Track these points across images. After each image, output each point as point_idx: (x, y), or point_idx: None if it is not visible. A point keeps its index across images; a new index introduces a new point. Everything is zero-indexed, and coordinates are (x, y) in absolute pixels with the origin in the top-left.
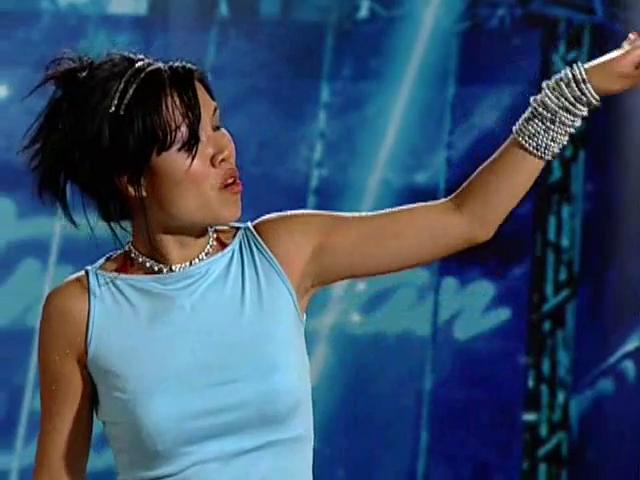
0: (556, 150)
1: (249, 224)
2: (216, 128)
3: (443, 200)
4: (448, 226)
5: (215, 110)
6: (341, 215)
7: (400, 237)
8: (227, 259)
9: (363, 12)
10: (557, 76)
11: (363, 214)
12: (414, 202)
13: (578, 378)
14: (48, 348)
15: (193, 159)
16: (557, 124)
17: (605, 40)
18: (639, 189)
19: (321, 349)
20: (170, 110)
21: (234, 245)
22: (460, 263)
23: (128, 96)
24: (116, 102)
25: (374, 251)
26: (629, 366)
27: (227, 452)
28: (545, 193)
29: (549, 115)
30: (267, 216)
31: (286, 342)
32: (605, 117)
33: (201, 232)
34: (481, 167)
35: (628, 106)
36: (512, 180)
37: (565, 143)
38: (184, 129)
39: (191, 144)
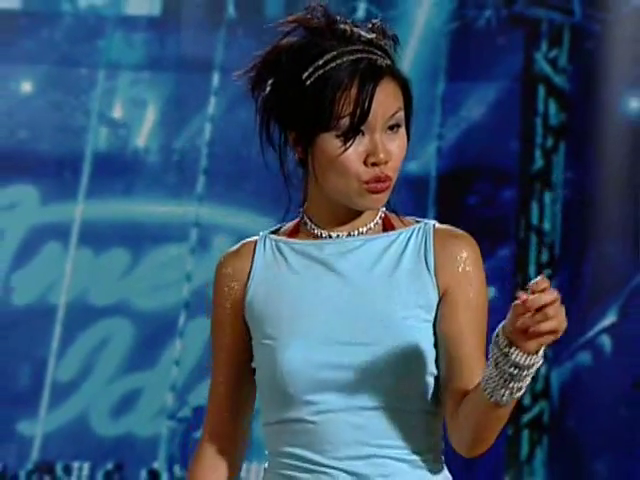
0: (512, 396)
1: (434, 224)
2: (392, 127)
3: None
4: (450, 397)
5: (396, 112)
6: (467, 296)
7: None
8: (389, 240)
9: (360, 13)
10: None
11: (469, 329)
12: (407, 188)
13: (558, 351)
14: (216, 304)
15: (345, 150)
16: (510, 382)
17: (583, 39)
18: (615, 177)
19: None
20: (344, 99)
21: (404, 232)
22: None
23: (319, 72)
24: (308, 73)
25: (438, 340)
26: (606, 340)
27: (349, 406)
28: (528, 181)
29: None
30: (454, 228)
31: (419, 328)
32: (583, 111)
33: (362, 212)
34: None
35: (604, 101)
36: (475, 419)
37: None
38: (347, 121)
39: (347, 136)
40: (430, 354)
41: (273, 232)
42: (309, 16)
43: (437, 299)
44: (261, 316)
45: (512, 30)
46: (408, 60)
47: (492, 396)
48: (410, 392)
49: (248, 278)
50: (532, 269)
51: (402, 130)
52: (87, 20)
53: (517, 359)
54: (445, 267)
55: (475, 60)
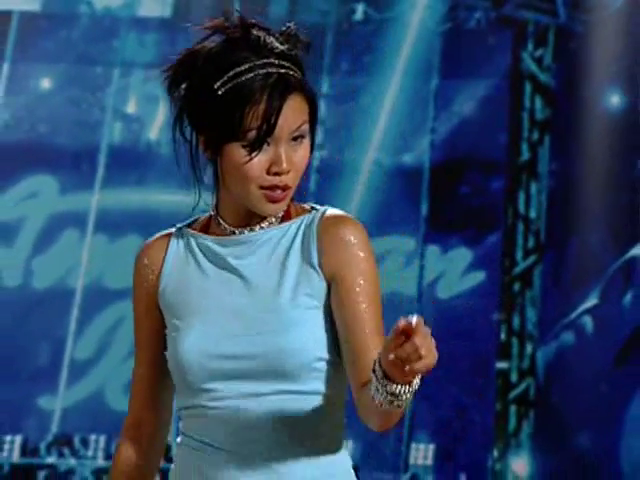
0: (398, 407)
1: (325, 211)
2: (296, 138)
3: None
4: (352, 377)
5: (301, 125)
6: (357, 282)
7: (343, 342)
8: (282, 232)
9: (358, 15)
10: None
11: (361, 311)
12: (403, 179)
13: (544, 331)
14: (135, 297)
15: (250, 160)
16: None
17: (567, 39)
18: (597, 169)
19: None
20: (252, 114)
21: (295, 223)
22: (442, 233)
23: (230, 84)
24: (220, 82)
25: (337, 327)
26: (588, 321)
27: (244, 393)
28: (515, 172)
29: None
30: (340, 213)
31: (306, 312)
32: (567, 106)
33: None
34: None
35: (587, 97)
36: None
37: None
38: (254, 133)
39: (253, 147)
40: (320, 339)
41: (189, 225)
42: (226, 23)
43: (325, 285)
44: (170, 307)
45: (500, 31)
46: (403, 59)
47: (381, 405)
48: (301, 377)
49: (161, 270)
50: (519, 254)
51: (306, 141)
52: (103, 21)
53: (393, 390)
54: (330, 253)
55: (466, 59)
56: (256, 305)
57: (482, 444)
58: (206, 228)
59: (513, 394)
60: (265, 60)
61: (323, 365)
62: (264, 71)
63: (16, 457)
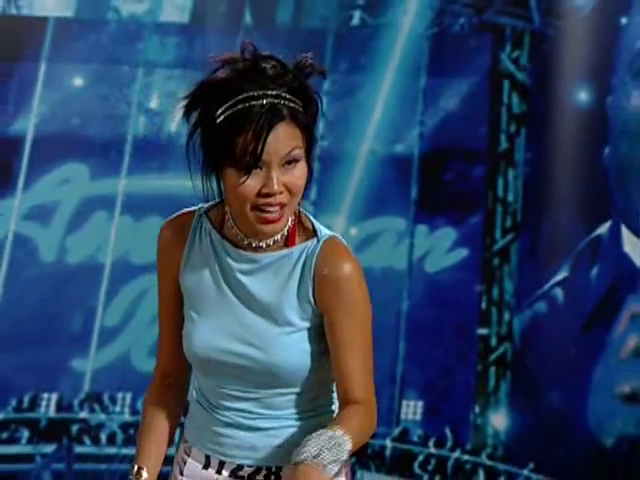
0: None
1: (325, 238)
2: (290, 162)
3: (345, 400)
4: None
5: (292, 150)
6: (352, 320)
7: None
8: (286, 258)
9: (355, 20)
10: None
11: (350, 343)
12: (395, 167)
13: (520, 301)
14: (161, 269)
15: (243, 182)
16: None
17: (541, 42)
18: (567, 157)
19: None
20: (241, 143)
21: (297, 249)
22: (429, 214)
23: (227, 113)
24: (220, 111)
25: (330, 350)
26: (559, 292)
27: (242, 385)
28: (495, 160)
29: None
30: (337, 248)
31: (299, 334)
32: (541, 102)
33: None
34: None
35: (558, 93)
36: None
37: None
38: (247, 159)
39: (246, 171)
40: (309, 354)
41: (207, 211)
42: (237, 55)
43: (318, 313)
44: (189, 295)
45: (481, 35)
46: (395, 60)
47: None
48: (291, 384)
49: (183, 255)
50: (498, 233)
51: (300, 164)
52: (129, 26)
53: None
54: (322, 293)
55: (451, 59)
56: (257, 321)
57: (465, 401)
58: (222, 224)
59: (492, 357)
60: (264, 91)
61: (311, 371)
62: (259, 102)
63: (52, 412)
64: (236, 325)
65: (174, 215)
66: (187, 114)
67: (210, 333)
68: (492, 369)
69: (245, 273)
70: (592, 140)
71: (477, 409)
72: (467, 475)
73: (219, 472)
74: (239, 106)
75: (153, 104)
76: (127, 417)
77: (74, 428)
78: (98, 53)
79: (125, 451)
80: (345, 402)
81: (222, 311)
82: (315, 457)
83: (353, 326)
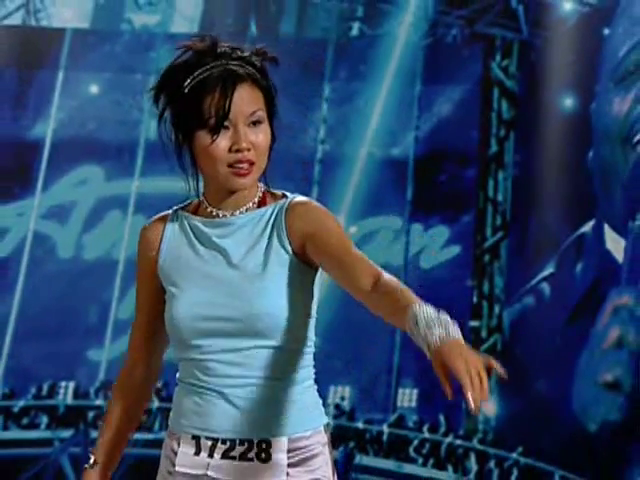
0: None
1: (292, 199)
2: (255, 123)
3: (367, 281)
4: (355, 290)
5: (256, 111)
6: (329, 230)
7: (336, 272)
8: (258, 216)
9: (354, 31)
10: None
11: (338, 243)
12: (392, 169)
13: (509, 295)
14: (138, 267)
15: (213, 142)
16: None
17: (529, 52)
18: (553, 160)
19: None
20: (209, 104)
21: (269, 208)
22: (424, 213)
23: (193, 82)
24: (187, 83)
25: (327, 266)
26: (545, 287)
27: (225, 348)
28: (485, 162)
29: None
30: (305, 199)
31: (276, 282)
32: (529, 108)
33: (239, 193)
34: (390, 299)
35: (545, 100)
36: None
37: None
38: (213, 120)
39: (214, 131)
40: (287, 303)
41: (183, 207)
42: (198, 41)
43: (293, 257)
44: (168, 277)
45: (473, 45)
46: (392, 68)
47: (412, 335)
48: (272, 335)
49: (160, 246)
50: (488, 231)
51: (264, 126)
52: (141, 37)
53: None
54: (294, 226)
55: (444, 68)
56: (236, 277)
57: (456, 389)
58: (196, 209)
59: (483, 347)
60: (223, 61)
61: (290, 324)
62: (220, 69)
63: (70, 400)
64: (217, 283)
65: (149, 220)
66: (156, 99)
67: (193, 297)
68: None
69: (221, 237)
70: (577, 144)
71: None
72: (459, 458)
73: (211, 455)
74: (204, 74)
75: None
76: None
77: (90, 414)
78: (112, 62)
79: (137, 436)
80: (375, 282)
81: (202, 275)
82: (447, 334)
83: (336, 235)
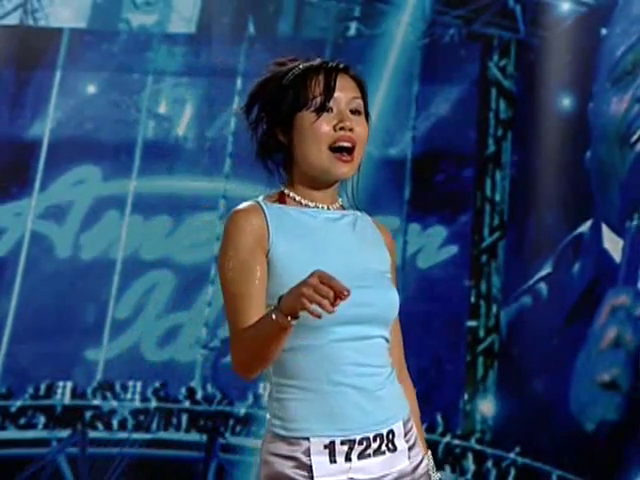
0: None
1: (368, 216)
2: (354, 112)
3: (394, 358)
4: None
5: (356, 97)
6: (395, 271)
7: None
8: (352, 217)
9: (352, 31)
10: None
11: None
12: (390, 169)
13: (506, 295)
14: (240, 246)
15: (318, 118)
16: None
17: (526, 52)
18: (551, 160)
19: None
20: (314, 84)
21: (354, 213)
22: (422, 213)
23: (294, 74)
24: (286, 78)
25: None
26: (543, 287)
27: (358, 336)
28: (483, 162)
29: None
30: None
31: (390, 279)
32: (526, 108)
33: (330, 190)
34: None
35: (543, 100)
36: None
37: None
38: (318, 99)
39: (319, 109)
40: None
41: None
42: (288, 60)
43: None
44: (279, 261)
45: (471, 44)
46: (389, 68)
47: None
48: (389, 326)
49: (268, 227)
50: (486, 231)
51: (362, 118)
52: (138, 37)
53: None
54: (390, 251)
55: (442, 68)
56: (362, 265)
57: (455, 389)
58: (283, 203)
59: (481, 347)
60: (316, 61)
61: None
62: (318, 62)
63: (67, 400)
64: (345, 271)
65: (240, 207)
66: (249, 109)
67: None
68: (480, 359)
69: (329, 226)
70: (574, 144)
71: (466, 396)
72: (457, 458)
73: (348, 459)
74: (303, 67)
75: (162, 109)
76: (137, 404)
77: (88, 414)
78: (110, 62)
79: (135, 436)
80: (398, 368)
81: (333, 265)
82: None
83: (394, 279)
